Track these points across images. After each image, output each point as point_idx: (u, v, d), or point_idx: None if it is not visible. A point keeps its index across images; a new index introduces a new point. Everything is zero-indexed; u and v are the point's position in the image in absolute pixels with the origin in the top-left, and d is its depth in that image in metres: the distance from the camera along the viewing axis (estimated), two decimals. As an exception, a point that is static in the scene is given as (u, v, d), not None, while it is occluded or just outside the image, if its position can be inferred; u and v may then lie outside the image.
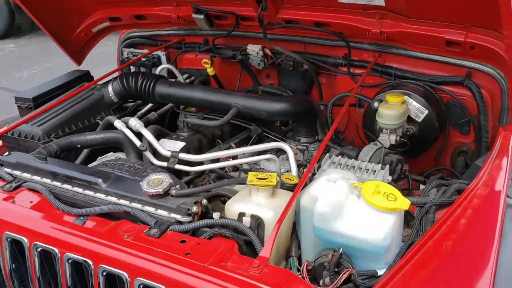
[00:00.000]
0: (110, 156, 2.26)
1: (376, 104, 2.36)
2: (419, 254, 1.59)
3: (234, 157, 2.18)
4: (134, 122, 2.19)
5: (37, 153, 1.94)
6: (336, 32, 2.55)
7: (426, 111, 2.34)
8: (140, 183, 1.64)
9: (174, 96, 2.47)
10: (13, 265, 1.66)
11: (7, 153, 2.13)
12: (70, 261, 1.52)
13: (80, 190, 1.74)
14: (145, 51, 3.20)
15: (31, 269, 1.60)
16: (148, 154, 2.10)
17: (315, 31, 2.61)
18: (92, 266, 1.47)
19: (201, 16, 2.77)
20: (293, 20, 2.61)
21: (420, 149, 2.46)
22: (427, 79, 2.48)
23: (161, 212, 1.59)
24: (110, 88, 2.59)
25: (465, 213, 1.79)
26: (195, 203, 1.58)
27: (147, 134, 2.13)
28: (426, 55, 2.47)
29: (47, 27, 2.86)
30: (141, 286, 1.40)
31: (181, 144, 2.18)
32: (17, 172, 1.88)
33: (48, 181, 1.81)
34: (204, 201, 1.60)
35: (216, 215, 1.58)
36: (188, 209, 1.55)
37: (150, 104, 2.82)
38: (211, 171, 2.09)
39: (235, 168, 2.13)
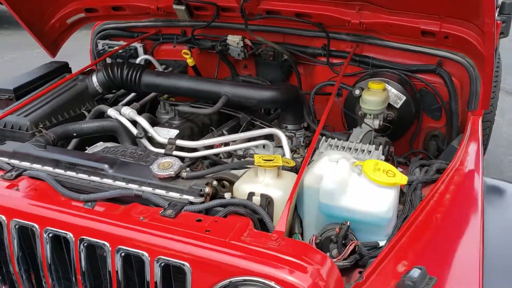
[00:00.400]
0: (100, 145, 2.26)
1: (357, 91, 2.48)
2: (413, 226, 1.72)
3: (226, 144, 2.24)
4: (128, 110, 2.20)
5: (35, 142, 1.93)
6: (316, 23, 2.66)
7: (404, 98, 2.49)
8: (151, 166, 1.67)
9: (161, 85, 2.50)
10: (20, 253, 1.65)
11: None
12: (85, 244, 1.53)
13: (85, 176, 1.75)
14: (121, 42, 3.19)
15: (41, 256, 1.61)
16: (145, 141, 2.12)
17: (295, 21, 2.71)
18: (110, 248, 1.50)
19: (182, 7, 2.80)
20: (274, 10, 2.69)
21: (398, 134, 2.61)
22: (403, 68, 2.63)
23: (173, 194, 1.64)
24: (94, 78, 2.58)
25: (449, 189, 1.94)
26: (206, 184, 1.63)
27: (143, 122, 2.15)
28: (401, 45, 2.62)
29: (22, 17, 2.79)
30: (163, 265, 1.44)
31: (175, 132, 2.21)
32: (14, 161, 1.86)
33: (49, 168, 1.80)
34: (215, 183, 1.66)
35: (227, 195, 1.65)
36: (201, 190, 1.60)
37: (132, 95, 2.83)
38: (205, 157, 2.14)
39: (229, 155, 2.19)
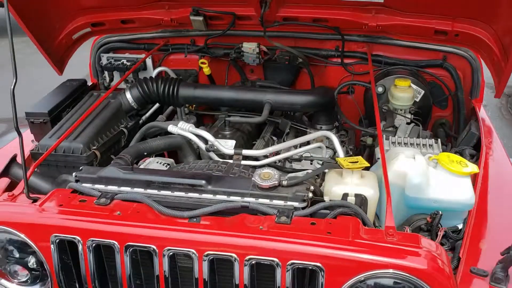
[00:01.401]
0: (153, 161, 2.30)
1: (380, 89, 2.69)
2: (475, 207, 1.95)
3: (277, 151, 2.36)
4: (186, 125, 2.25)
5: (117, 164, 1.94)
6: (333, 27, 2.83)
7: (423, 91, 2.73)
8: (253, 178, 1.76)
9: (201, 97, 2.56)
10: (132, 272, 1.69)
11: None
12: (210, 258, 1.60)
13: (182, 194, 1.80)
14: (127, 55, 3.17)
15: (160, 274, 1.65)
16: (212, 154, 2.19)
17: (312, 26, 2.85)
18: (238, 259, 1.58)
19: (200, 18, 2.86)
20: (292, 17, 2.82)
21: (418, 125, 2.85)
22: (413, 64, 2.87)
23: (277, 202, 1.74)
24: (128, 94, 2.58)
25: (488, 170, 2.21)
26: (307, 189, 1.75)
27: (207, 135, 2.21)
28: (409, 43, 2.86)
29: (34, 35, 2.72)
30: (295, 269, 1.55)
31: (232, 142, 2.29)
32: (99, 186, 1.87)
33: (141, 190, 1.83)
34: (312, 188, 1.78)
35: (326, 198, 1.78)
36: (305, 196, 1.72)
37: (154, 107, 2.85)
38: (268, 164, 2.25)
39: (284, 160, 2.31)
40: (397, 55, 2.91)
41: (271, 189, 1.76)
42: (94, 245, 1.68)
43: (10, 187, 2.23)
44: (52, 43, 2.92)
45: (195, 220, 1.70)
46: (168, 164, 2.35)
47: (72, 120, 2.40)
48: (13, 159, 2.12)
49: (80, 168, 1.92)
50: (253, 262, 1.58)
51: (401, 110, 2.55)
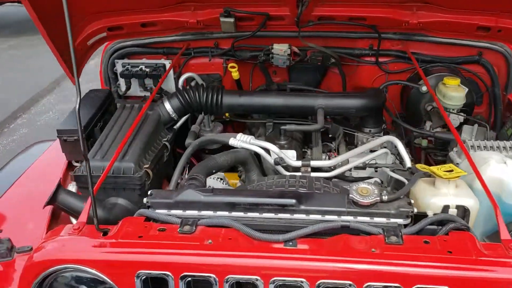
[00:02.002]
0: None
1: (424, 88, 2.61)
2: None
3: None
4: (247, 137, 2.08)
5: (192, 186, 1.75)
6: (370, 25, 2.72)
7: (466, 89, 2.66)
8: (351, 195, 1.62)
9: (246, 105, 2.40)
10: None
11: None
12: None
13: (271, 215, 1.65)
14: (144, 61, 2.95)
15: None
16: (280, 168, 2.03)
17: (345, 25, 2.74)
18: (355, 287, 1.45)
19: (232, 20, 2.68)
20: (328, 16, 2.69)
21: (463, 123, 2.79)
22: (449, 61, 2.80)
23: (378, 219, 1.62)
24: (168, 105, 2.38)
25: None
26: (409, 204, 1.64)
27: (273, 147, 2.05)
28: (444, 39, 2.79)
29: (54, 43, 2.47)
30: (420, 292, 1.44)
31: (293, 153, 2.15)
32: (176, 212, 1.69)
33: (225, 213, 1.67)
34: (412, 201, 1.67)
35: (430, 212, 1.66)
36: (411, 212, 1.60)
37: (185, 117, 2.66)
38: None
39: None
40: (431, 52, 2.84)
41: (371, 206, 1.63)
42: (187, 280, 1.50)
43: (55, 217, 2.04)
44: (68, 50, 2.66)
45: (291, 244, 1.55)
46: (221, 179, 2.18)
47: (112, 136, 2.19)
48: (60, 185, 1.90)
49: (150, 192, 1.73)
50: (374, 288, 1.45)
51: (453, 109, 2.47)
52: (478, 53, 2.80)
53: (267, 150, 2.05)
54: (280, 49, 2.80)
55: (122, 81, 2.97)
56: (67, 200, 1.89)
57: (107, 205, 2.01)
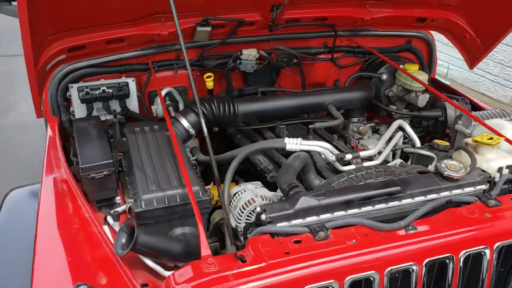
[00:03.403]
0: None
1: (385, 76, 2.92)
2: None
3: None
4: (295, 140, 2.08)
5: (302, 194, 1.71)
6: (330, 24, 2.92)
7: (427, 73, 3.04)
8: (445, 172, 1.79)
9: (261, 111, 2.38)
10: None
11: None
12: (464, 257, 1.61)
13: (383, 205, 1.73)
14: (102, 81, 2.68)
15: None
16: (337, 164, 2.08)
17: (310, 26, 2.89)
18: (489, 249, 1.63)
19: (209, 28, 2.62)
20: (294, 19, 2.81)
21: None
22: (389, 51, 3.17)
23: (468, 189, 1.83)
24: (185, 122, 2.23)
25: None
26: (483, 171, 1.88)
27: (327, 145, 2.08)
28: (382, 32, 3.15)
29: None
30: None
31: (331, 147, 2.22)
32: (297, 221, 1.65)
33: (342, 212, 1.69)
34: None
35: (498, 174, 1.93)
36: (489, 177, 1.85)
37: None
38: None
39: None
40: (372, 45, 3.17)
41: (457, 180, 1.83)
42: (350, 282, 1.51)
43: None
44: (33, 77, 2.29)
45: (410, 228, 1.66)
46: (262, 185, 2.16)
47: (149, 165, 1.98)
48: (134, 227, 1.67)
49: (262, 208, 1.65)
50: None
51: (419, 92, 2.81)
52: (406, 42, 3.22)
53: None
54: (250, 54, 2.82)
55: (80, 107, 2.64)
56: (149, 240, 1.67)
57: (179, 237, 1.83)
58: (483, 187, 1.86)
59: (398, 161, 2.27)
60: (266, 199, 1.95)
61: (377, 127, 2.68)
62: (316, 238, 1.56)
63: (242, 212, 1.95)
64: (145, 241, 1.67)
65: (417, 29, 3.16)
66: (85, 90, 2.61)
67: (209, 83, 2.78)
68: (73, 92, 2.63)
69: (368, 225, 1.63)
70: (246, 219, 1.93)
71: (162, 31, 2.58)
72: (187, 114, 2.30)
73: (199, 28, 2.59)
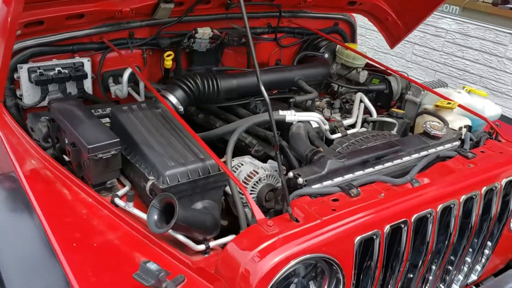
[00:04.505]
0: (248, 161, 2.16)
1: (326, 55, 3.16)
2: None
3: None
4: (291, 112, 2.16)
5: (327, 158, 1.82)
6: (277, 4, 3.05)
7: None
8: (432, 132, 2.05)
9: (241, 87, 2.41)
10: None
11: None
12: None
13: (390, 164, 1.94)
14: (55, 61, 2.48)
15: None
16: (328, 133, 2.23)
17: (258, 5, 2.99)
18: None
19: (171, 5, 2.57)
20: None
21: None
22: (324, 32, 3.41)
23: (447, 145, 2.12)
24: (173, 98, 2.18)
25: None
26: (454, 130, 2.19)
27: (319, 115, 2.20)
28: (316, 14, 3.38)
29: None
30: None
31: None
32: (327, 182, 1.77)
33: (360, 172, 1.86)
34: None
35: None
36: (460, 134, 2.16)
37: None
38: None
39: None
40: (306, 26, 3.37)
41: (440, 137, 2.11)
42: (388, 229, 1.68)
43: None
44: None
45: (414, 181, 1.90)
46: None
47: (155, 141, 1.93)
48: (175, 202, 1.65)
49: (297, 173, 1.74)
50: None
51: (359, 69, 3.09)
52: (334, 24, 3.49)
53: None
54: (204, 33, 2.82)
55: (30, 90, 2.42)
56: (186, 214, 1.66)
57: (202, 210, 1.84)
58: (457, 143, 2.16)
59: (363, 128, 2.50)
60: (267, 170, 2.04)
61: (332, 101, 2.89)
62: (351, 195, 1.70)
63: (246, 184, 2.00)
64: (183, 216, 1.65)
65: (347, 12, 3.44)
66: (38, 71, 2.40)
67: (168, 62, 2.73)
68: (23, 74, 2.39)
69: (385, 181, 1.81)
70: (251, 190, 2.00)
71: (124, 7, 2.47)
72: (174, 90, 2.25)
73: (163, 5, 2.53)
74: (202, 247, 1.68)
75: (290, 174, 1.76)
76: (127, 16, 2.53)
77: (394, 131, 2.46)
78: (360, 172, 1.86)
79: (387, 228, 1.66)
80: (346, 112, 2.79)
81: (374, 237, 1.64)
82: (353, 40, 3.64)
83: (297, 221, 1.57)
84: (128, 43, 2.68)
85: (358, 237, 1.60)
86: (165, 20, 2.70)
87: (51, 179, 1.93)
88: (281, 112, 2.18)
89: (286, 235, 1.50)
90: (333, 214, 1.60)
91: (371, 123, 2.63)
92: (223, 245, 1.67)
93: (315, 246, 1.52)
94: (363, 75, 3.05)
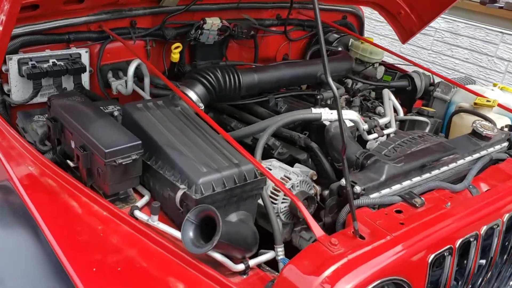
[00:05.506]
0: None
1: (340, 49, 2.94)
2: None
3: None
4: (324, 109, 1.93)
5: (384, 162, 1.60)
6: (289, -6, 2.82)
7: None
8: (484, 132, 1.86)
9: (262, 82, 2.16)
10: None
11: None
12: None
13: (445, 168, 1.74)
14: (48, 52, 2.17)
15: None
16: (365, 134, 2.00)
17: None
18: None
19: (180, -9, 2.30)
20: None
21: None
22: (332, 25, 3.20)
23: (497, 146, 1.93)
24: (193, 95, 1.91)
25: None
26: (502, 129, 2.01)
27: (354, 114, 1.97)
28: (326, 6, 3.17)
29: None
30: None
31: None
32: (385, 191, 1.55)
33: (418, 178, 1.64)
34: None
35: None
36: (509, 135, 1.98)
37: None
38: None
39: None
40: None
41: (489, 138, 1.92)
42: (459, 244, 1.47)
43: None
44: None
45: (471, 187, 1.71)
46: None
47: (178, 145, 1.66)
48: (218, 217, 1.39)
49: (352, 181, 1.51)
50: None
51: (376, 64, 2.89)
52: (342, 17, 3.29)
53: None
54: (213, 23, 2.56)
55: (20, 85, 2.11)
56: (229, 229, 1.41)
57: (240, 223, 1.58)
58: (506, 144, 1.98)
59: (394, 128, 2.30)
60: (299, 175, 1.81)
61: (351, 99, 2.68)
62: (416, 205, 1.48)
63: (277, 191, 1.76)
64: (226, 231, 1.39)
65: (358, 4, 3.24)
66: (30, 63, 2.09)
67: (176, 55, 2.45)
68: (12, 66, 2.07)
69: (445, 188, 1.61)
70: (283, 199, 1.76)
71: (124, -9, 2.19)
72: (193, 85, 1.97)
73: (171, -10, 2.26)
74: (241, 266, 1.43)
75: (343, 181, 1.52)
76: (129, 1, 2.24)
77: (426, 131, 2.27)
78: (418, 178, 1.64)
79: (459, 242, 1.45)
80: (367, 110, 2.58)
81: (446, 253, 1.42)
82: (361, 34, 3.44)
83: (362, 237, 1.34)
84: (130, 33, 2.39)
85: (432, 255, 1.38)
86: (172, 8, 2.42)
87: (55, 188, 1.64)
88: (314, 110, 1.94)
89: (356, 256, 1.27)
90: (403, 229, 1.37)
91: (397, 122, 2.42)
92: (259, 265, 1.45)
93: (387, 268, 1.29)
94: (380, 71, 2.85)
